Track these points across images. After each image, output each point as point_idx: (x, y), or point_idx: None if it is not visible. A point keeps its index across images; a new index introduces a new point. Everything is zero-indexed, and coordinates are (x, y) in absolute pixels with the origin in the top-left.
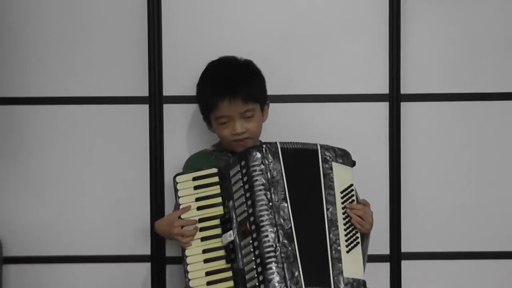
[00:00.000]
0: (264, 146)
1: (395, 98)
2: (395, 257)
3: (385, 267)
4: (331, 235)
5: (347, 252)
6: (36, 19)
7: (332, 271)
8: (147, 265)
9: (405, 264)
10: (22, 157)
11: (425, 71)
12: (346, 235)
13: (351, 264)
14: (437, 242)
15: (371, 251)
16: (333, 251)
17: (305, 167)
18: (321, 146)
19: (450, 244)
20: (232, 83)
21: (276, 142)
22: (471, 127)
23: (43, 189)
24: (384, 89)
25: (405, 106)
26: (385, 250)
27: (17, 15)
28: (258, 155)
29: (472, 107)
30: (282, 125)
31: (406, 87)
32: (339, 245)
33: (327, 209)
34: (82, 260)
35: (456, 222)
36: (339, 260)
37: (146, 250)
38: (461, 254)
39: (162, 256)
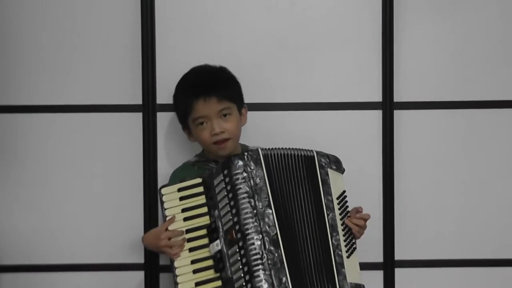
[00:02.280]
0: (246, 153)
1: (388, 106)
2: (389, 264)
3: (379, 274)
4: (333, 240)
5: (347, 257)
6: (29, 29)
7: (337, 276)
8: (141, 274)
9: (398, 272)
10: (16, 165)
11: (418, 79)
12: (345, 240)
13: (352, 269)
14: (430, 249)
15: (364, 258)
16: (336, 257)
17: (297, 172)
18: (317, 152)
19: (444, 251)
20: (205, 83)
21: (257, 149)
22: (464, 135)
23: (37, 197)
24: (377, 97)
25: (398, 114)
26: (379, 257)
27: (11, 24)
28: (240, 163)
29: (465, 115)
30: (275, 134)
31: (399, 95)
32: (340, 250)
33: (327, 215)
34: (76, 269)
35: (449, 229)
36: (342, 265)
37: (140, 259)
38: (454, 261)
39: (155, 265)
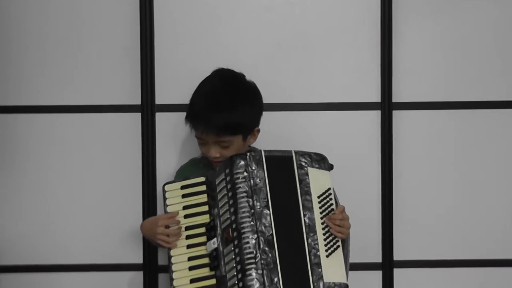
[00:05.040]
0: (248, 154)
1: (387, 106)
2: (387, 265)
3: (377, 275)
4: (309, 240)
5: (327, 256)
6: (29, 30)
7: (312, 276)
8: (140, 274)
9: (397, 272)
10: (15, 165)
11: (417, 80)
12: (325, 240)
13: (332, 269)
14: (429, 250)
15: (363, 259)
16: (312, 257)
17: (283, 174)
18: (296, 152)
19: (443, 252)
20: (207, 116)
21: (260, 150)
22: (463, 136)
23: (35, 197)
24: (376, 97)
25: (397, 115)
26: (377, 258)
27: (11, 26)
28: (242, 162)
29: (464, 115)
30: (273, 134)
31: (398, 96)
32: (318, 250)
33: (304, 215)
34: (74, 269)
35: (448, 230)
36: (319, 265)
37: (139, 259)
38: (453, 262)
39: (154, 265)
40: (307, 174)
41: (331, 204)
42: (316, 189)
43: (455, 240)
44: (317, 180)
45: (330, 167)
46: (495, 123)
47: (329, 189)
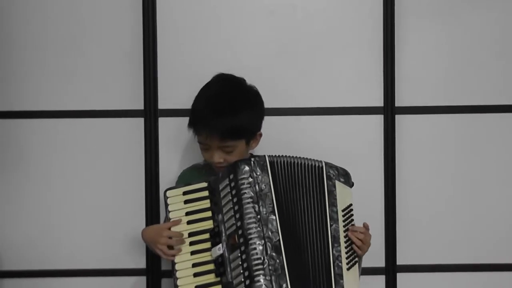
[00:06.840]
0: (252, 159)
1: (389, 111)
2: (391, 269)
3: (381, 279)
4: (333, 251)
5: (347, 269)
6: (31, 35)
7: (335, 286)
8: (143, 279)
9: (400, 277)
10: (18, 170)
11: (420, 84)
12: (346, 253)
13: (351, 282)
14: (432, 254)
15: (366, 263)
16: (336, 267)
17: (304, 181)
18: (326, 163)
19: (446, 256)
20: (211, 120)
21: (264, 156)
22: (466, 140)
23: (38, 202)
24: (379, 102)
25: (399, 119)
26: (381, 262)
27: (13, 31)
28: (247, 168)
29: (467, 119)
30: (276, 138)
31: (400, 100)
32: (341, 262)
33: (331, 225)
34: (77, 274)
35: (451, 234)
36: (341, 276)
37: (142, 264)
38: (456, 266)
39: (157, 270)
40: (334, 186)
41: (352, 220)
42: (341, 203)
43: (458, 245)
44: (342, 194)
45: (352, 185)
46: (497, 127)
47: (351, 205)
